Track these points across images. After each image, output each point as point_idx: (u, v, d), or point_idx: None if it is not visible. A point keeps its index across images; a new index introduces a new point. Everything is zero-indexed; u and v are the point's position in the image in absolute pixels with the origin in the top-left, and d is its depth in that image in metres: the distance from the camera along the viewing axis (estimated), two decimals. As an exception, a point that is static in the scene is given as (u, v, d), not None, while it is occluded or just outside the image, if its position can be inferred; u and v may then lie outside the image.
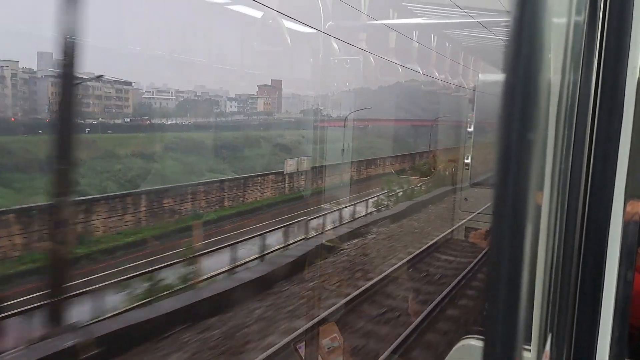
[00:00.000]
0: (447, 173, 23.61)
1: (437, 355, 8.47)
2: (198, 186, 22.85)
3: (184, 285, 11.76)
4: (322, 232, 16.47)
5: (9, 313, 9.23)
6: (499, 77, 0.59)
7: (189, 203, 22.01)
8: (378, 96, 32.30)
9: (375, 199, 22.55)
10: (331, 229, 17.09)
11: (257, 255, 14.12)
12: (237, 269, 12.96)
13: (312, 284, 11.78)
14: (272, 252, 14.58)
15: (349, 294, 10.80)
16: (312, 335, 7.79)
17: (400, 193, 23.63)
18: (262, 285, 11.19)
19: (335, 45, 12.76)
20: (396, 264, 13.25)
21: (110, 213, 18.73)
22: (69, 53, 8.77)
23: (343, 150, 19.52)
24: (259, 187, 25.82)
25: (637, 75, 1.21)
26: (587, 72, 1.22)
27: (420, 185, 25.27)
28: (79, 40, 8.84)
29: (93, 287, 10.67)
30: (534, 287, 1.04)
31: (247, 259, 13.68)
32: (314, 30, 12.54)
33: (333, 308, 10.10)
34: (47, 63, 21.31)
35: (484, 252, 12.85)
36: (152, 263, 13.36)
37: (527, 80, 0.57)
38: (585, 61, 1.21)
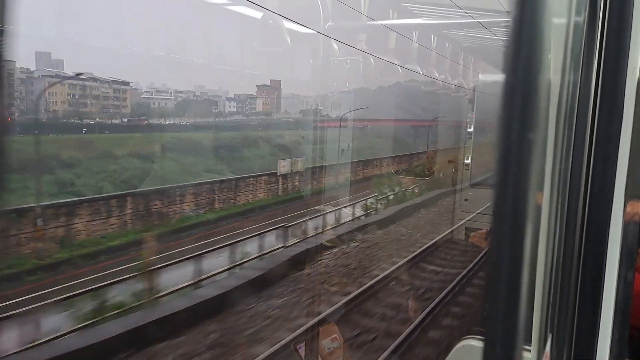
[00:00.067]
0: (447, 173, 23.62)
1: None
2: (187, 188, 22.30)
3: (138, 303, 10.57)
4: (313, 236, 16.11)
5: None
6: (498, 77, 0.59)
7: (177, 205, 21.48)
8: (378, 96, 32.31)
9: (374, 200, 22.53)
10: (321, 233, 16.53)
11: (227, 267, 13.00)
12: (202, 283, 11.74)
13: (280, 301, 10.68)
14: (245, 262, 13.53)
15: (320, 313, 9.76)
16: (311, 336, 7.70)
17: (400, 194, 23.65)
18: (224, 302, 9.98)
19: (335, 45, 12.75)
20: (391, 272, 12.46)
21: (93, 216, 18.36)
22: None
23: (343, 150, 19.52)
24: (251, 189, 25.68)
25: (637, 75, 1.21)
26: (587, 73, 1.22)
27: (420, 186, 25.31)
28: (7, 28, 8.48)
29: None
30: (534, 288, 1.04)
31: (216, 271, 12.44)
32: (314, 31, 12.54)
33: (301, 329, 8.87)
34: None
35: (483, 252, 12.81)
36: (96, 280, 11.88)
37: (527, 80, 0.57)
38: (585, 61, 1.21)
